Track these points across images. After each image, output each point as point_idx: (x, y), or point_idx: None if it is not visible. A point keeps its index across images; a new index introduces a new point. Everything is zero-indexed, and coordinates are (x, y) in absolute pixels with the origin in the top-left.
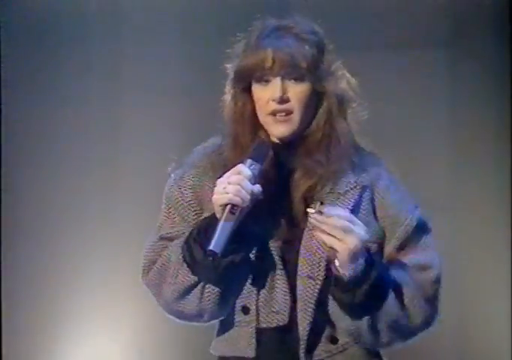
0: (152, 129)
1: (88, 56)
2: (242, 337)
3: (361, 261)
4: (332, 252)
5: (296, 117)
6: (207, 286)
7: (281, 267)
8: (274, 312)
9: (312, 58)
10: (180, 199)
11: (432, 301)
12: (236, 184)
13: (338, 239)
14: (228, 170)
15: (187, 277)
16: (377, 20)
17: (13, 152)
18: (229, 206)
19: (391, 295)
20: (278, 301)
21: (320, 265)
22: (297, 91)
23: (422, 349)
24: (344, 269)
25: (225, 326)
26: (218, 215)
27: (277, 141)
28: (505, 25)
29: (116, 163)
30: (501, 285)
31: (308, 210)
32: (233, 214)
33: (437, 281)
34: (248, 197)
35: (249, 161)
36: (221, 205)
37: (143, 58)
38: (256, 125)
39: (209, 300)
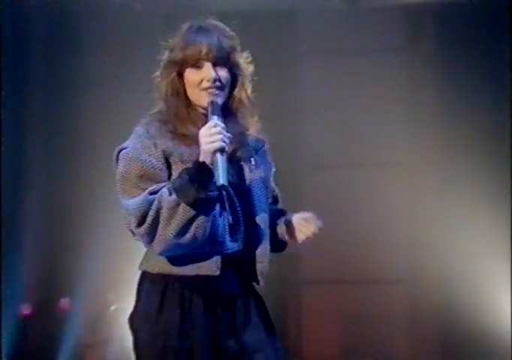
0: None
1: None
2: (209, 260)
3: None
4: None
5: (223, 93)
6: (200, 218)
7: (237, 206)
8: (234, 241)
9: (231, 49)
10: (154, 163)
11: None
12: (219, 134)
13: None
14: (175, 136)
15: (186, 213)
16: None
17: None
18: (219, 151)
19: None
20: (239, 232)
21: (267, 201)
22: (223, 73)
23: None
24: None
25: (190, 252)
26: (208, 160)
27: (204, 111)
28: (458, 30)
29: None
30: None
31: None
32: (223, 155)
33: None
34: (229, 141)
35: (215, 117)
36: (213, 151)
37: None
38: (187, 100)
39: (201, 227)
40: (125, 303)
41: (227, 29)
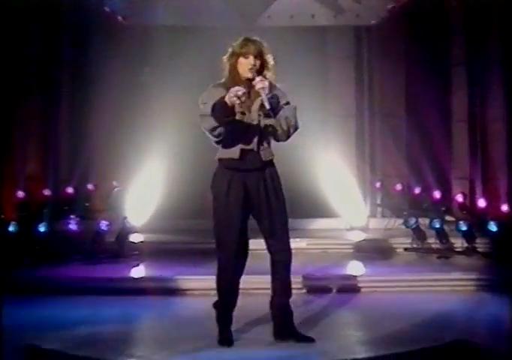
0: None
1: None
2: (235, 151)
3: (272, 95)
4: (263, 90)
5: (255, 71)
6: (220, 128)
7: (247, 124)
8: (247, 143)
9: (263, 49)
10: (210, 94)
11: (290, 122)
12: (238, 91)
13: (263, 82)
14: (228, 89)
15: (213, 122)
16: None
17: None
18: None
19: (281, 112)
20: (249, 138)
21: (260, 117)
22: (258, 61)
23: None
24: (267, 100)
25: (227, 147)
26: (228, 101)
27: (245, 79)
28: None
29: None
30: None
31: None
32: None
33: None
34: (240, 94)
35: (240, 88)
36: (233, 97)
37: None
38: (238, 73)
39: (220, 130)
40: (123, 187)
41: (262, 41)
